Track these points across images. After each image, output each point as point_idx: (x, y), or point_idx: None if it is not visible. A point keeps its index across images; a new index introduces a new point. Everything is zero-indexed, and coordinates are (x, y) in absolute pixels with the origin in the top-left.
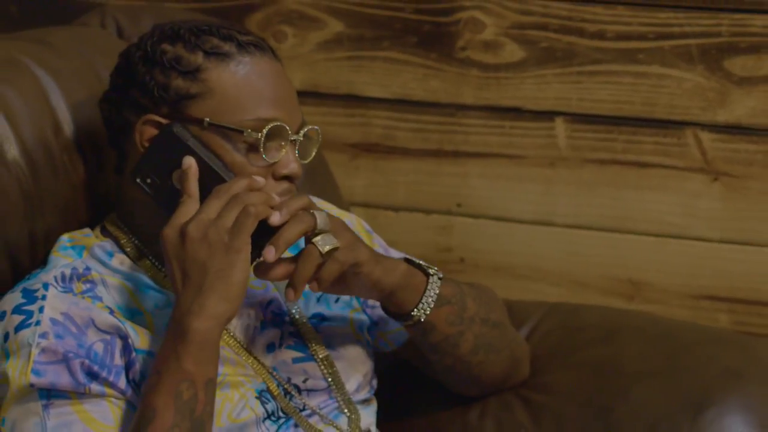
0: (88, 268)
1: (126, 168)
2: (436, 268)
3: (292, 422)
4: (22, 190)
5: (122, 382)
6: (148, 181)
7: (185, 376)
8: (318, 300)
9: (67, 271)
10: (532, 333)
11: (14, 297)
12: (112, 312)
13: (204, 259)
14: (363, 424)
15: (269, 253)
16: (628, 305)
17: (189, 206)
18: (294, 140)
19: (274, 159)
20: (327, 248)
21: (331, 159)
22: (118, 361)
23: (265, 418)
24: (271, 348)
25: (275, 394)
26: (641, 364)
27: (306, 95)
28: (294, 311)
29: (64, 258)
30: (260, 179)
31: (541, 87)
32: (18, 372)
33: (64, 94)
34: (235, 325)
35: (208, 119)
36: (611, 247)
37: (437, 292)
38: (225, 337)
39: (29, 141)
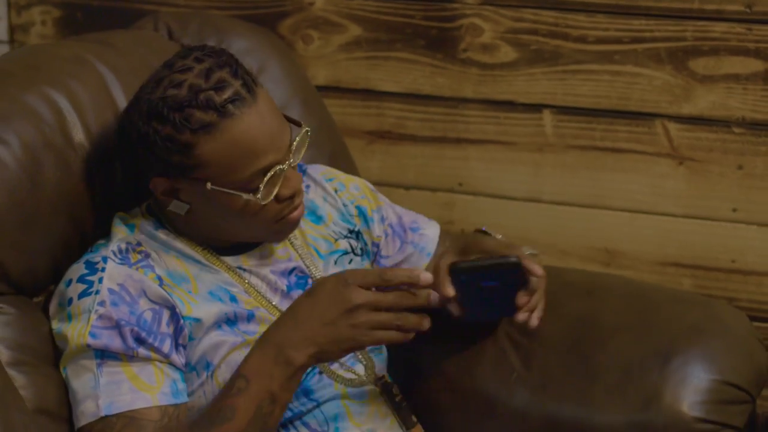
0: (139, 242)
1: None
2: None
3: (316, 370)
4: (87, 169)
5: (166, 347)
6: (462, 278)
7: (271, 396)
8: (335, 262)
9: (123, 245)
10: None
11: (79, 268)
12: (161, 283)
13: (336, 319)
14: (377, 371)
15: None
16: (604, 271)
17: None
18: (289, 166)
19: (273, 194)
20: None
21: (351, 144)
22: (164, 328)
23: None
24: None
25: None
26: (617, 319)
27: (329, 89)
28: (316, 273)
29: (120, 233)
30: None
31: (531, 83)
32: (77, 333)
33: (123, 87)
34: (266, 289)
35: (209, 184)
36: (590, 220)
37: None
38: (259, 298)
39: (93, 127)
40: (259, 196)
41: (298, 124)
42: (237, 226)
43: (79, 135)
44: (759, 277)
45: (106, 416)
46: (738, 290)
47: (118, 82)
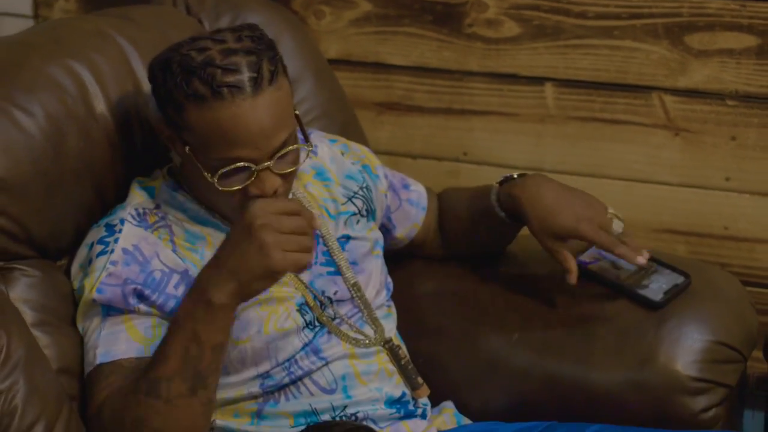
0: (158, 205)
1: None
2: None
3: (326, 330)
4: (108, 139)
5: (169, 307)
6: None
7: (195, 337)
8: (345, 223)
9: (141, 209)
10: (527, 255)
11: (99, 230)
12: (174, 248)
13: (246, 246)
14: (386, 333)
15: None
16: None
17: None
18: (263, 167)
19: (235, 186)
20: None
21: (361, 115)
22: (171, 290)
23: (304, 327)
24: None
25: (312, 305)
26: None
27: (340, 63)
28: (325, 233)
29: (137, 197)
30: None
31: (533, 57)
32: (88, 289)
33: (142, 60)
34: None
35: (188, 148)
36: (589, 189)
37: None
38: None
39: (113, 98)
40: (215, 180)
41: (306, 139)
42: (211, 199)
43: (100, 105)
44: (751, 243)
45: (101, 364)
46: (730, 256)
47: (138, 54)
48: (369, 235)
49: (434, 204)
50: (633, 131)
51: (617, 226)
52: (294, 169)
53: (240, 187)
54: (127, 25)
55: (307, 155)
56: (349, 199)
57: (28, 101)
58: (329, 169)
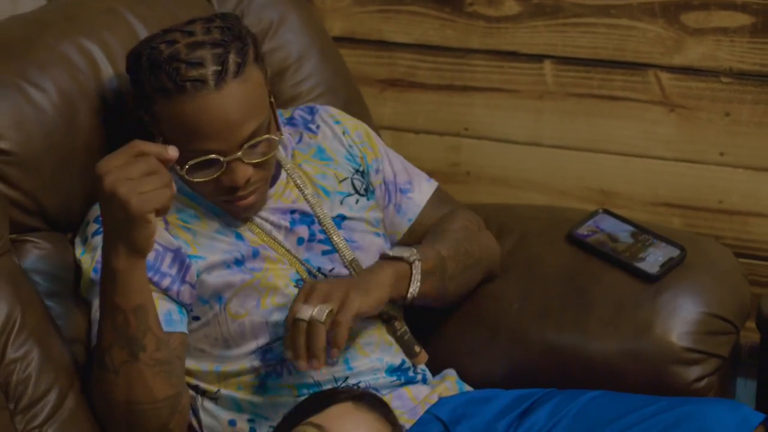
0: None
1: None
2: (413, 250)
3: None
4: (117, 114)
5: (165, 284)
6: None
7: (115, 306)
8: (341, 203)
9: None
10: (526, 228)
11: (96, 209)
12: (167, 226)
13: (115, 212)
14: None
15: (311, 366)
16: None
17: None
18: (232, 159)
19: (206, 177)
20: (324, 317)
21: (365, 91)
22: (166, 269)
23: None
24: (300, 241)
25: (306, 281)
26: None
27: (344, 40)
28: (320, 213)
29: None
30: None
31: (533, 35)
32: (86, 268)
33: None
34: (270, 227)
35: (161, 138)
36: (587, 163)
37: (420, 274)
38: (262, 235)
39: (124, 75)
40: (184, 173)
41: (278, 128)
42: (190, 185)
43: (111, 82)
44: (743, 216)
45: None
46: (724, 228)
47: (147, 32)
48: (368, 214)
49: (434, 213)
50: (630, 107)
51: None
52: (267, 158)
53: (210, 178)
54: (138, 3)
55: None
56: (348, 178)
57: (40, 77)
58: (329, 149)
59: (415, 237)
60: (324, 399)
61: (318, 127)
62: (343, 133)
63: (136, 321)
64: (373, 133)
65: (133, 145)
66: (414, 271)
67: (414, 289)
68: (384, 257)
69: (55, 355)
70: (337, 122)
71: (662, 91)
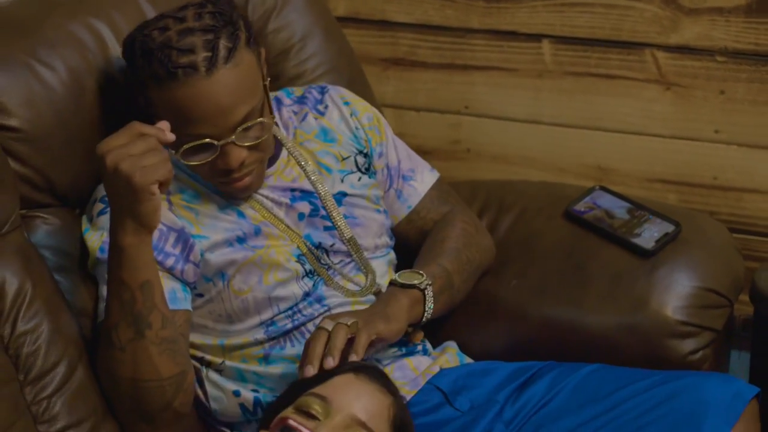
0: None
1: None
2: (423, 276)
3: (322, 281)
4: (126, 93)
5: (169, 263)
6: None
7: (122, 283)
8: (342, 180)
9: None
10: (525, 204)
11: (101, 188)
12: (171, 206)
13: (119, 187)
14: (379, 280)
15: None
16: None
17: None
18: (226, 143)
19: (200, 161)
20: (350, 323)
21: (367, 70)
22: (170, 248)
23: (303, 276)
24: (301, 217)
25: (308, 256)
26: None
27: (348, 20)
28: (321, 190)
29: None
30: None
31: (532, 15)
32: (92, 247)
33: None
34: (270, 204)
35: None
36: (585, 140)
37: (432, 297)
38: (263, 211)
39: None
40: (179, 156)
41: (270, 111)
42: (188, 166)
43: (119, 61)
44: (738, 192)
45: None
46: (719, 204)
47: (155, 12)
48: (369, 191)
49: (433, 207)
50: (627, 86)
51: None
52: (260, 141)
53: (205, 162)
54: None
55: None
56: (351, 157)
57: (50, 56)
58: (334, 130)
59: (412, 226)
60: (326, 371)
61: (326, 107)
62: (351, 115)
63: (143, 297)
64: (382, 118)
65: (132, 126)
66: (427, 296)
67: (428, 313)
68: (396, 284)
69: (65, 328)
70: (347, 103)
71: (659, 70)
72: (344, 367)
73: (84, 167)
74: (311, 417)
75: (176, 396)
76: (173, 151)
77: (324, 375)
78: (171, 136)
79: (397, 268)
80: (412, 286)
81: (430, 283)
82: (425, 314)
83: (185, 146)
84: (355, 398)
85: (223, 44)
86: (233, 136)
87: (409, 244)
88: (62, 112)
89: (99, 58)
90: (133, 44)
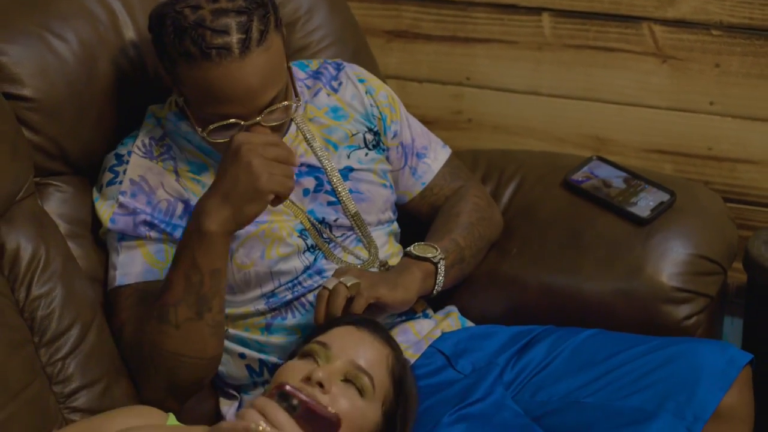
0: (164, 135)
1: None
2: (437, 250)
3: (322, 255)
4: (136, 63)
5: (177, 235)
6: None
7: (195, 265)
8: (349, 156)
9: (147, 140)
10: (525, 174)
11: (110, 158)
12: (177, 177)
13: (235, 170)
14: (381, 255)
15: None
16: None
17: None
18: (252, 123)
19: (222, 140)
20: (350, 283)
21: (372, 42)
22: (177, 220)
23: (305, 251)
24: (306, 192)
25: (310, 232)
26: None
27: None
28: (327, 165)
29: (148, 126)
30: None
31: None
32: (104, 217)
33: None
34: None
35: (182, 99)
36: (583, 111)
37: (444, 271)
38: None
39: (142, 27)
40: (205, 134)
41: (296, 94)
42: (207, 143)
43: (130, 33)
44: (732, 162)
45: (120, 286)
46: (713, 174)
47: None
48: (376, 166)
49: (446, 184)
50: (624, 58)
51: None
52: (284, 122)
53: (228, 140)
54: None
55: (297, 108)
56: (360, 133)
57: (62, 28)
58: (346, 107)
59: (425, 201)
60: (328, 324)
61: (340, 84)
62: (366, 92)
63: (211, 282)
64: (396, 97)
65: (272, 135)
66: (439, 269)
67: (439, 285)
68: (410, 255)
69: (78, 293)
70: (362, 80)
71: (655, 43)
72: (346, 319)
73: (96, 136)
74: (312, 359)
75: (209, 374)
76: (199, 128)
77: (326, 327)
78: (298, 161)
79: (408, 242)
80: (426, 259)
81: (443, 257)
82: (436, 287)
83: (212, 126)
84: (354, 346)
85: (255, 26)
86: (259, 118)
87: (421, 218)
88: (74, 82)
89: (110, 30)
90: (163, 19)
